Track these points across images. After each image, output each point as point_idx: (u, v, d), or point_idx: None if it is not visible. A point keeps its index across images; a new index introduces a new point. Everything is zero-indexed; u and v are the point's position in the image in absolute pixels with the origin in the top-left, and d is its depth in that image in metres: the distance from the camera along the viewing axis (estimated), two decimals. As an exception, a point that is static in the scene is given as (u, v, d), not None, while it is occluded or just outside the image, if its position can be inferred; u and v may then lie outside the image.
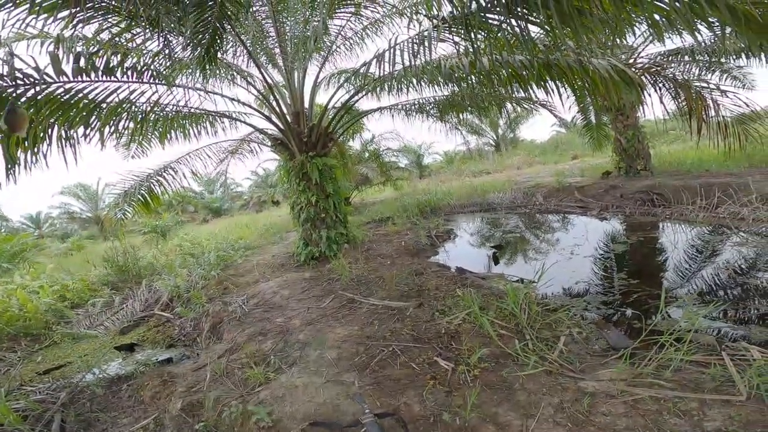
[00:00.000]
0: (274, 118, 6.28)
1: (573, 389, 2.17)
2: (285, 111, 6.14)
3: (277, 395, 2.55)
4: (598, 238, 5.85)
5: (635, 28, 3.07)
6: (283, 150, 6.53)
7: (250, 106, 6.42)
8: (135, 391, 3.17)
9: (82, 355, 4.29)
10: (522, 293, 3.21)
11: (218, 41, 3.91)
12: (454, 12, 3.31)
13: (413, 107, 7.53)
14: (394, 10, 6.39)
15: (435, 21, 3.45)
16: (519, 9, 2.73)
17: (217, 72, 6.17)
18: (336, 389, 2.52)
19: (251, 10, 5.49)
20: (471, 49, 3.34)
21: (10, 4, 3.09)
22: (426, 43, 3.38)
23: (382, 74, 4.32)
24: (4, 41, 3.74)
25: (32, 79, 2.88)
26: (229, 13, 3.72)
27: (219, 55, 4.23)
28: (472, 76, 4.12)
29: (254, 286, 5.47)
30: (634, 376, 2.22)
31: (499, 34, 3.12)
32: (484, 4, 2.93)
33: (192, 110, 5.63)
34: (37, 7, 3.09)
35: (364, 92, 6.09)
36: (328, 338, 3.27)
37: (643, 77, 4.05)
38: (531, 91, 3.89)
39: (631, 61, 7.93)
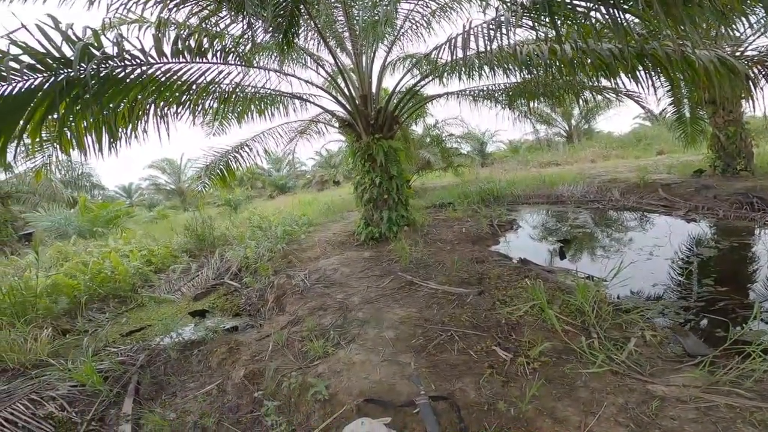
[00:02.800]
0: (342, 100, 6.43)
1: (640, 391, 2.07)
2: (353, 94, 6.26)
3: (334, 370, 2.64)
4: (682, 240, 5.33)
5: (748, 17, 2.72)
6: (350, 131, 6.68)
7: (321, 88, 6.62)
8: (204, 356, 3.34)
9: (161, 318, 4.53)
10: (592, 290, 3.05)
11: (295, 25, 4.06)
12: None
13: (481, 93, 7.30)
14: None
15: (513, 7, 3.28)
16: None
17: (293, 55, 6.41)
18: (392, 368, 2.57)
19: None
20: (552, 36, 3.14)
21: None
22: (503, 29, 3.24)
23: (452, 60, 4.22)
24: (111, 24, 4.21)
25: (138, 60, 3.21)
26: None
27: (294, 39, 4.38)
28: (552, 65, 3.89)
29: (316, 261, 5.70)
30: (710, 383, 2.06)
31: (586, 22, 2.90)
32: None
33: (269, 91, 5.93)
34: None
35: (431, 77, 6.02)
36: (387, 318, 3.35)
37: (753, 70, 3.56)
38: (619, 81, 3.60)
39: (738, 53, 7.00)
